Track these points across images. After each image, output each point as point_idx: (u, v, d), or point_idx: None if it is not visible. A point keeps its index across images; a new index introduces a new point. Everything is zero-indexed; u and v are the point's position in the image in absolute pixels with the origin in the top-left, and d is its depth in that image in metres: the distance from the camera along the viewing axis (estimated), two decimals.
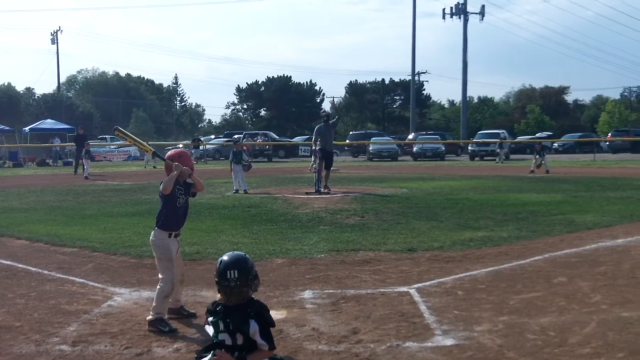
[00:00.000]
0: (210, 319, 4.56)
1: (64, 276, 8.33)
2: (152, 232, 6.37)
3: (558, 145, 59.20)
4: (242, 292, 4.51)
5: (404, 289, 7.32)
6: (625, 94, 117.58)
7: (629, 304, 6.49)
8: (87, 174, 29.08)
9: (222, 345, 4.46)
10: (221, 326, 4.48)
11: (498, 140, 47.94)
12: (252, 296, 4.62)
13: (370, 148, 52.44)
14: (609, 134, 64.16)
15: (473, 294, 7.06)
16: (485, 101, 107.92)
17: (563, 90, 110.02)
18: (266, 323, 4.48)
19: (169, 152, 6.57)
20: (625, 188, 19.49)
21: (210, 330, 4.58)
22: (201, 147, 48.62)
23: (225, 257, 4.59)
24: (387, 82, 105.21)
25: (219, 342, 4.49)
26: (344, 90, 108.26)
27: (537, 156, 29.64)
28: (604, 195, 17.41)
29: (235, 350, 4.44)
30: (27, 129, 53.64)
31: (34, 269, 8.78)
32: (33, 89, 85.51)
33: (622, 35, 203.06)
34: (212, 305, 4.62)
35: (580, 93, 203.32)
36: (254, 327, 4.41)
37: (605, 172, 29.43)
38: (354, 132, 69.42)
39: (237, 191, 19.24)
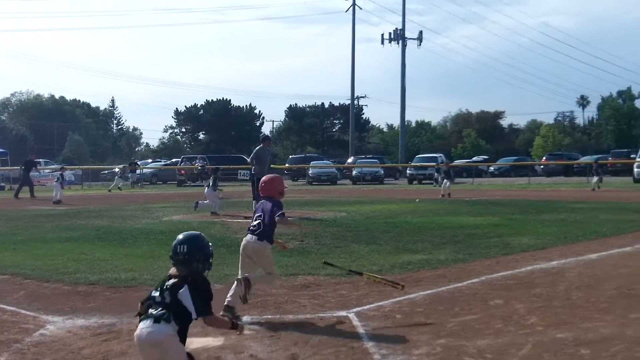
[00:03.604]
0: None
1: None
2: (260, 243, 7.43)
3: (494, 169, 60.26)
4: (191, 266, 4.64)
5: (343, 313, 7.29)
6: (559, 118, 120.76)
7: (564, 325, 6.57)
8: (58, 198, 27.99)
9: (153, 301, 4.56)
10: (158, 286, 4.64)
11: (435, 164, 48.58)
12: (206, 275, 4.74)
13: (310, 172, 52.57)
14: (543, 158, 65.67)
15: (411, 317, 7.08)
16: (423, 125, 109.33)
17: (499, 114, 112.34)
18: (198, 289, 4.55)
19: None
20: (559, 211, 19.91)
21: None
22: (138, 171, 48.02)
23: (179, 236, 4.83)
24: (326, 106, 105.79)
25: (152, 297, 4.60)
26: (284, 114, 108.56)
27: (445, 179, 30.31)
28: (539, 217, 17.75)
29: (159, 305, 4.51)
30: None
31: None
32: None
33: (556, 61, 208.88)
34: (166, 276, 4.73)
35: (515, 117, 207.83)
36: (184, 292, 4.49)
37: (540, 195, 30.09)
38: (293, 155, 69.58)
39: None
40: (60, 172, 31.47)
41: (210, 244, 4.91)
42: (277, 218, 7.41)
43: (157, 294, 4.56)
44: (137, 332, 4.51)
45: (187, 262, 4.65)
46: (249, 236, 7.61)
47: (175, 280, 4.57)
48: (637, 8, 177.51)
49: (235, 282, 7.19)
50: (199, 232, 5.03)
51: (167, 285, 4.56)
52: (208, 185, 21.03)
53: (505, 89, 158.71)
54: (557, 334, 6.27)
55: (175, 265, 4.70)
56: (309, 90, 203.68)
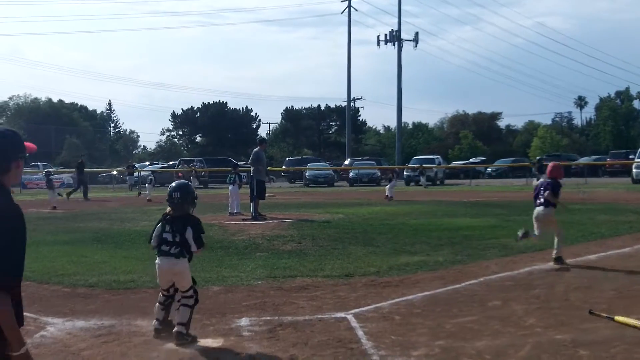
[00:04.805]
0: (159, 224, 6.61)
1: None
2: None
3: (491, 170, 60.30)
4: (183, 208, 6.55)
5: (341, 314, 7.30)
6: (557, 119, 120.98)
7: (563, 326, 6.59)
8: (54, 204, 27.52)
9: (165, 241, 6.48)
10: (167, 228, 6.51)
11: (417, 165, 48.94)
12: (191, 212, 6.63)
13: (307, 174, 52.45)
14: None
15: (410, 318, 7.09)
16: (419, 127, 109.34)
17: (495, 116, 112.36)
18: (197, 230, 6.53)
19: None
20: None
21: (157, 230, 6.59)
22: (135, 174, 47.97)
23: (173, 184, 6.77)
24: (323, 108, 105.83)
25: (164, 238, 6.49)
26: (280, 116, 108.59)
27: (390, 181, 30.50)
28: None
29: (174, 245, 6.45)
30: None
31: None
32: None
33: (553, 62, 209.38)
34: (162, 215, 6.64)
35: (512, 119, 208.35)
36: (189, 232, 6.45)
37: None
38: (290, 158, 69.50)
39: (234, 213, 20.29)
40: (47, 176, 30.98)
41: (195, 190, 6.96)
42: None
43: (170, 236, 6.46)
44: (160, 263, 6.50)
45: (180, 204, 6.52)
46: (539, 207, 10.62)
47: (180, 223, 6.46)
48: (633, 9, 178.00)
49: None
50: (187, 181, 7.31)
51: (175, 229, 6.45)
52: (234, 183, 21.34)
53: (502, 90, 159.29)
54: (556, 335, 6.28)
55: (171, 206, 6.54)
56: (305, 92, 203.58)
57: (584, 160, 60.39)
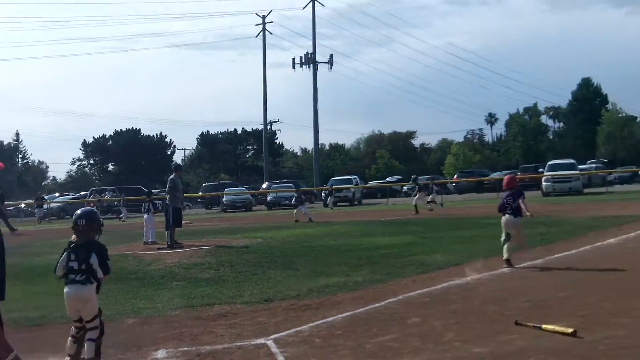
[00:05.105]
0: (65, 252, 6.46)
1: None
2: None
3: (407, 189, 61.14)
4: (89, 235, 6.44)
5: (261, 340, 7.18)
6: (469, 136, 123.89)
7: (480, 339, 6.64)
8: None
9: (72, 269, 6.34)
10: (72, 256, 6.36)
11: (328, 187, 49.83)
12: (96, 238, 6.53)
13: (224, 199, 52.09)
14: (455, 176, 67.11)
15: (330, 340, 7.03)
16: (336, 148, 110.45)
17: (410, 134, 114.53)
18: (103, 256, 6.38)
19: None
20: (472, 227, 20.30)
21: (63, 259, 6.45)
22: (45, 206, 46.65)
23: (78, 211, 6.63)
24: (239, 132, 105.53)
25: (70, 267, 6.35)
26: (196, 142, 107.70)
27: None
28: (452, 235, 18.06)
29: (79, 272, 6.30)
30: None
31: None
32: None
33: (463, 80, 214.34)
34: (68, 243, 6.46)
35: (426, 137, 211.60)
36: (94, 259, 6.31)
37: (452, 212, 30.64)
38: (206, 183, 68.97)
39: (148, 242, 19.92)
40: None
41: (101, 218, 6.91)
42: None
43: (75, 264, 6.31)
44: (67, 291, 6.37)
45: (85, 231, 6.43)
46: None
47: (85, 250, 6.33)
48: (535, 28, 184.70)
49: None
50: (92, 208, 7.42)
51: (81, 255, 6.31)
52: (148, 212, 20.94)
53: (415, 109, 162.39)
54: (474, 348, 6.32)
55: (76, 234, 6.45)
56: (221, 116, 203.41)
57: (496, 175, 61.86)
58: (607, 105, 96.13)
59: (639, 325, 6.84)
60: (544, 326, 6.79)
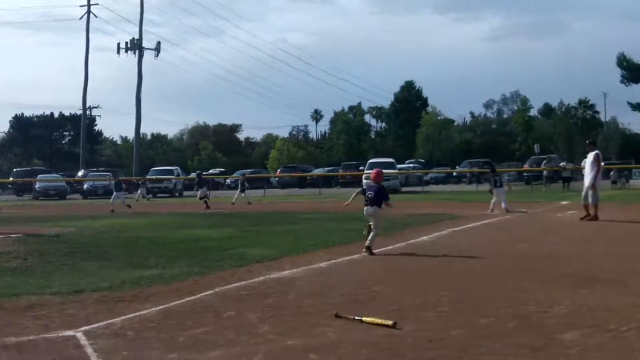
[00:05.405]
0: None
1: None
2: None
3: (230, 182, 61.17)
4: None
5: (70, 333, 6.85)
6: (293, 132, 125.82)
7: (295, 332, 6.70)
8: None
9: None
10: None
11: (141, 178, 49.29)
12: None
13: (37, 186, 49.76)
14: (278, 170, 67.94)
15: (143, 333, 6.83)
16: (159, 138, 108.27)
17: (236, 128, 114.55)
18: None
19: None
20: (292, 221, 20.59)
21: None
22: None
23: None
24: (56, 116, 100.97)
25: None
26: (8, 125, 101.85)
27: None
28: (272, 229, 18.22)
29: None
30: None
31: None
32: None
33: (292, 76, 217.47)
34: None
35: (251, 131, 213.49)
36: None
37: (275, 207, 30.99)
38: (18, 169, 65.39)
39: None
40: None
41: None
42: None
43: None
44: None
45: None
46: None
47: None
48: (364, 29, 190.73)
49: None
50: None
51: None
52: None
53: (242, 102, 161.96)
54: (288, 341, 6.37)
55: None
56: (38, 99, 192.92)
57: (318, 171, 63.40)
58: (427, 108, 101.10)
59: (444, 319, 7.16)
60: (364, 318, 6.97)
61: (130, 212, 26.97)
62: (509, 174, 48.23)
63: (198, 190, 33.09)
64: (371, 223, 12.69)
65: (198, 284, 9.71)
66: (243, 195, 33.42)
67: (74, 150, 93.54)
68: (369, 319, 6.93)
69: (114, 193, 30.58)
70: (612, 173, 45.30)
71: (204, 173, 46.98)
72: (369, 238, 12.47)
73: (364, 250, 12.35)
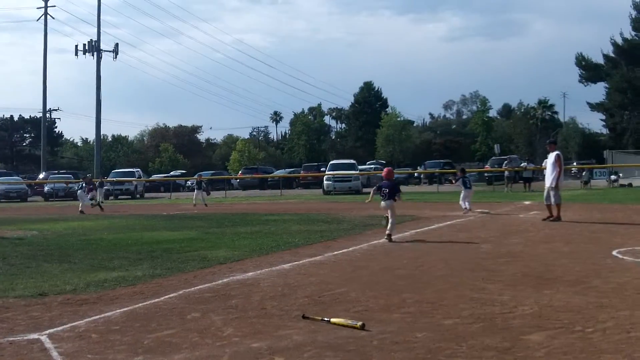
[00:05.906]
0: None
1: None
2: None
3: (191, 183, 60.91)
4: None
5: (34, 336, 6.85)
6: (254, 133, 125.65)
7: (259, 334, 6.76)
8: None
9: None
10: None
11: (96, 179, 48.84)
12: None
13: None
14: (240, 172, 67.77)
15: (107, 335, 6.86)
16: (119, 139, 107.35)
17: (196, 129, 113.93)
18: None
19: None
20: (254, 223, 20.62)
21: None
22: None
23: None
24: (16, 119, 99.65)
25: None
26: None
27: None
28: (235, 230, 18.24)
29: None
30: None
31: None
32: None
33: (251, 78, 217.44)
34: None
35: (212, 132, 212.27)
36: None
37: (236, 208, 30.95)
38: None
39: None
40: None
41: None
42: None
43: None
44: None
45: None
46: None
47: None
48: (324, 30, 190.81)
49: None
50: None
51: None
52: None
53: (202, 103, 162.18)
54: (253, 343, 6.43)
55: None
56: None
57: (279, 172, 63.39)
58: (387, 109, 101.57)
59: (408, 320, 7.22)
60: (332, 320, 7.05)
61: (93, 215, 26.74)
62: (470, 174, 48.71)
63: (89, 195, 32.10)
64: (388, 215, 14.57)
65: (161, 286, 9.72)
66: (201, 197, 33.63)
67: (35, 153, 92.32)
68: (336, 320, 7.02)
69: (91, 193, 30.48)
70: (584, 173, 46.21)
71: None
72: (388, 227, 14.41)
73: (385, 237, 14.36)
